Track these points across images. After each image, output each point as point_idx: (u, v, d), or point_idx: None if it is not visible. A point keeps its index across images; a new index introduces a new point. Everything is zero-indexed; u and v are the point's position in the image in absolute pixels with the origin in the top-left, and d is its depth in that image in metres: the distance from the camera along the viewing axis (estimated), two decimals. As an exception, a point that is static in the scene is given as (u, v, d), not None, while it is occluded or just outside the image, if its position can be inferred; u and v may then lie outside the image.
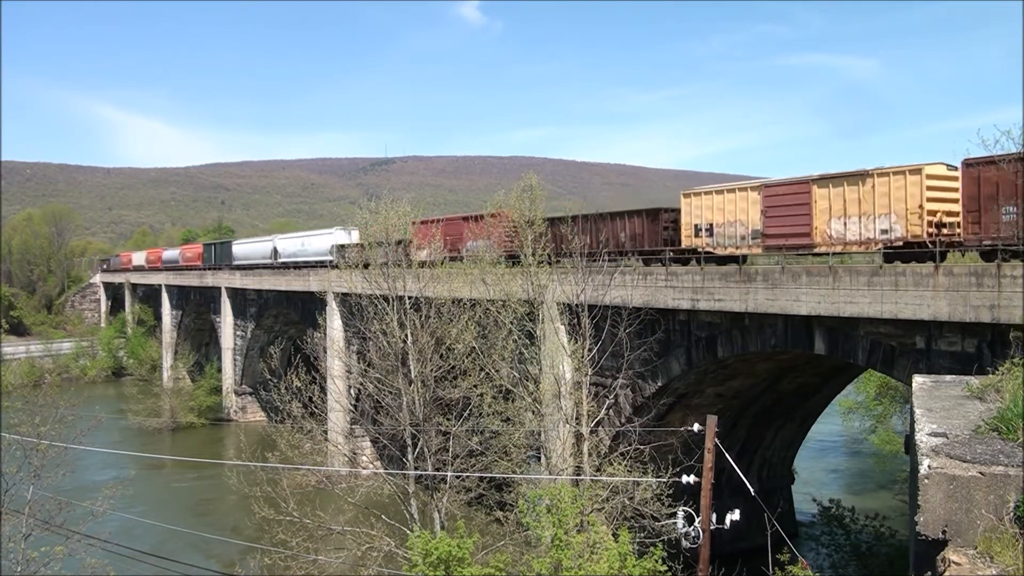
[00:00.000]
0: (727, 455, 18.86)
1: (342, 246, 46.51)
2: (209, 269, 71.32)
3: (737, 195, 26.29)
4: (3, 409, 30.88)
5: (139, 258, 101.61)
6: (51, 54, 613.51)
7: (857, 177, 22.72)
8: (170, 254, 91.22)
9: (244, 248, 69.22)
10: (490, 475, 23.65)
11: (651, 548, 17.22)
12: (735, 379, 27.53)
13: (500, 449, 23.93)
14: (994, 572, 5.06)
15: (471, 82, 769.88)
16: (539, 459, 26.56)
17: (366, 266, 27.01)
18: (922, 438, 6.40)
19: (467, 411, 24.51)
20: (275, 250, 61.17)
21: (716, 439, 17.01)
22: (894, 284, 18.99)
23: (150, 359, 79.78)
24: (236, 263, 67.32)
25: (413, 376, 24.14)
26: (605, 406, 25.89)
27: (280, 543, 21.50)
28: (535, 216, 27.69)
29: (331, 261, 47.29)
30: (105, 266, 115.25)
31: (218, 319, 66.51)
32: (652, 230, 29.24)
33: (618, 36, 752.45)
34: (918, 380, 9.42)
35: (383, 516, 23.43)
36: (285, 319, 58.36)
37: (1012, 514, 5.34)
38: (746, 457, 31.72)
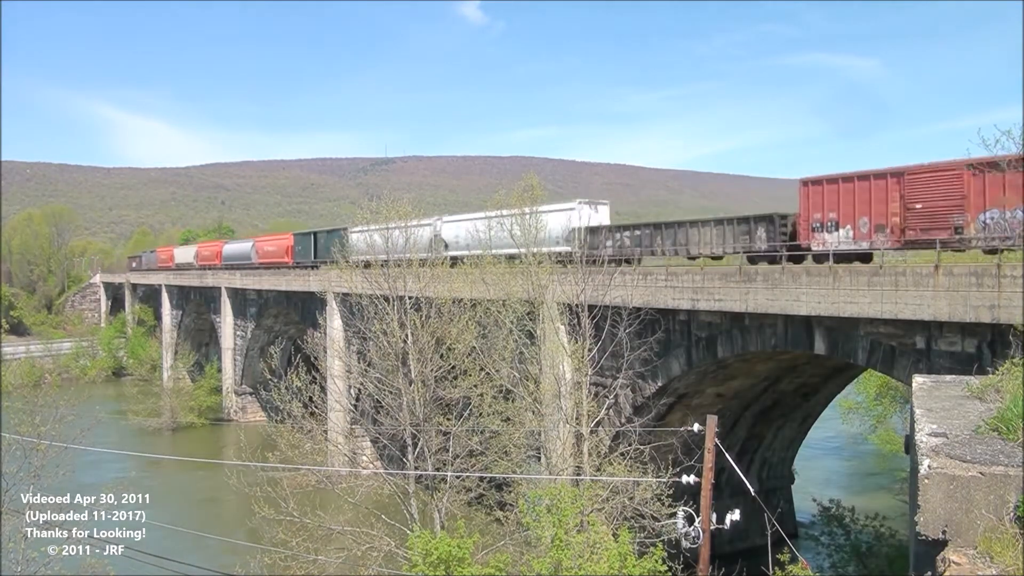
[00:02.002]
0: (727, 455, 18.87)
1: (592, 229, 32.11)
2: (309, 268, 53.63)
3: None
4: (3, 409, 30.89)
5: (185, 254, 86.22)
6: (51, 54, 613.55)
7: None
8: (235, 248, 73.02)
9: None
10: (490, 475, 23.65)
11: (651, 548, 17.22)
12: (735, 379, 27.54)
13: (500, 449, 23.94)
14: (994, 572, 5.06)
15: (472, 82, 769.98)
16: (539, 459, 26.56)
17: (367, 266, 27.01)
18: (922, 438, 6.40)
19: (467, 411, 24.51)
20: (437, 239, 40.12)
21: (716, 439, 17.02)
22: (894, 284, 18.99)
23: (150, 359, 79.85)
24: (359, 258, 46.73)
25: (413, 376, 24.14)
26: (605, 406, 25.89)
27: (280, 543, 21.50)
28: (535, 216, 27.68)
29: (567, 253, 29.37)
30: (135, 264, 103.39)
31: (218, 319, 66.54)
32: None
33: (619, 36, 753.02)
34: (918, 380, 9.41)
35: (383, 516, 23.43)
36: (285, 319, 58.35)
37: (1012, 514, 5.34)
38: (746, 457, 31.74)
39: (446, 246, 38.72)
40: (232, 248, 73.67)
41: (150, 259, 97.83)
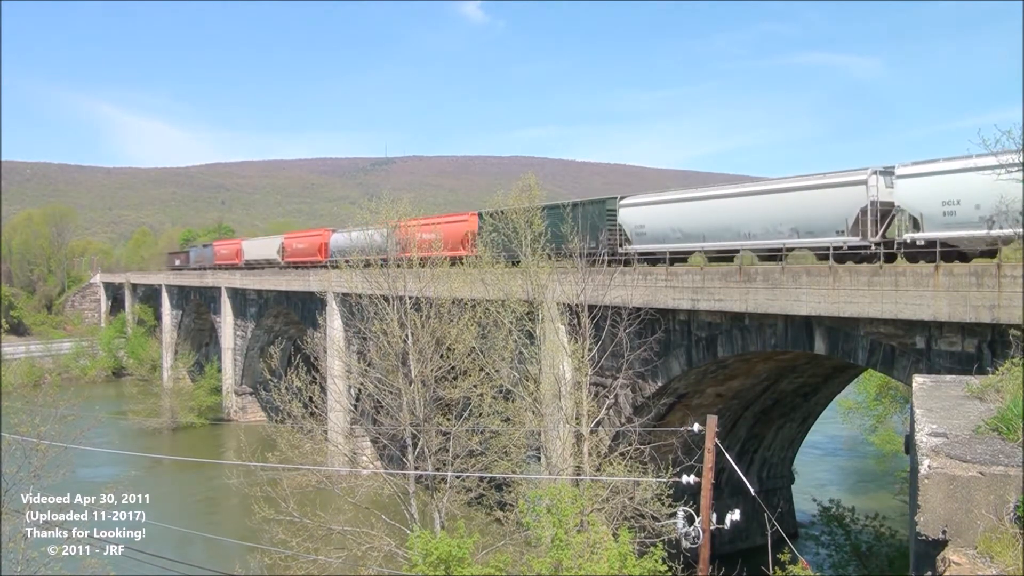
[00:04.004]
0: (727, 455, 18.87)
1: None
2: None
3: None
4: (3, 409, 30.88)
5: (261, 248, 66.96)
6: (51, 53, 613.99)
7: None
8: (355, 239, 40.48)
9: (670, 213, 28.12)
10: (490, 475, 23.64)
11: (651, 548, 17.22)
12: (735, 379, 27.53)
13: (500, 449, 23.94)
14: (994, 572, 5.06)
15: (472, 82, 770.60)
16: (539, 459, 26.56)
17: (366, 266, 27.02)
18: (922, 438, 6.40)
19: (467, 411, 24.51)
20: (874, 207, 21.84)
21: (716, 439, 17.01)
22: (894, 284, 18.98)
23: (150, 359, 79.90)
24: (644, 250, 28.27)
25: (413, 376, 24.13)
26: (605, 406, 25.90)
27: (280, 543, 21.50)
28: (534, 216, 27.69)
29: None
30: (180, 261, 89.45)
31: (218, 319, 66.54)
32: None
33: (620, 35, 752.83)
34: (918, 380, 9.41)
35: (383, 516, 23.42)
36: (285, 319, 58.39)
37: (1012, 514, 5.34)
38: (746, 457, 31.74)
39: (916, 223, 21.04)
40: (348, 239, 47.02)
41: (203, 255, 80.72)
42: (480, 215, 35.36)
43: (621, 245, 28.91)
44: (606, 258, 27.37)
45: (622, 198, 29.48)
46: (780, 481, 34.44)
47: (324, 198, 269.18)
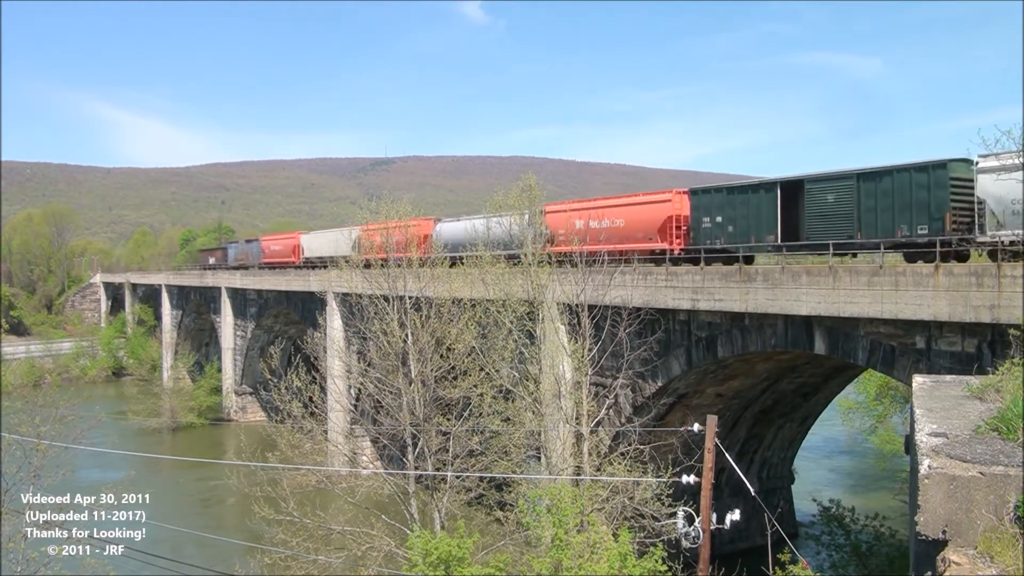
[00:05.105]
0: (727, 455, 18.88)
1: None
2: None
3: None
4: (3, 409, 30.87)
5: (327, 243, 55.47)
6: (51, 53, 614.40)
7: None
8: (459, 229, 38.24)
9: None
10: (490, 475, 23.63)
11: (651, 548, 17.21)
12: (735, 379, 27.52)
13: (500, 449, 23.93)
14: (994, 572, 5.06)
15: (472, 82, 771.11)
16: (539, 459, 26.55)
17: (367, 266, 27.02)
18: (922, 438, 6.40)
19: (467, 411, 24.50)
20: None
21: (716, 439, 17.01)
22: (894, 284, 18.98)
23: (150, 359, 79.92)
24: None
25: (413, 376, 24.12)
26: (605, 406, 25.88)
27: (280, 543, 21.50)
28: (535, 215, 27.67)
29: None
30: (214, 259, 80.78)
31: (218, 319, 66.55)
32: None
33: (621, 35, 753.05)
34: (918, 380, 9.41)
35: (383, 516, 23.42)
36: (285, 319, 58.37)
37: (1012, 514, 5.34)
38: (746, 457, 31.73)
39: None
40: (463, 229, 37.68)
41: (247, 252, 70.84)
42: (694, 192, 28.26)
43: (981, 229, 20.36)
44: (952, 250, 20.32)
45: (977, 160, 20.35)
46: (780, 481, 34.43)
47: (324, 198, 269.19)
